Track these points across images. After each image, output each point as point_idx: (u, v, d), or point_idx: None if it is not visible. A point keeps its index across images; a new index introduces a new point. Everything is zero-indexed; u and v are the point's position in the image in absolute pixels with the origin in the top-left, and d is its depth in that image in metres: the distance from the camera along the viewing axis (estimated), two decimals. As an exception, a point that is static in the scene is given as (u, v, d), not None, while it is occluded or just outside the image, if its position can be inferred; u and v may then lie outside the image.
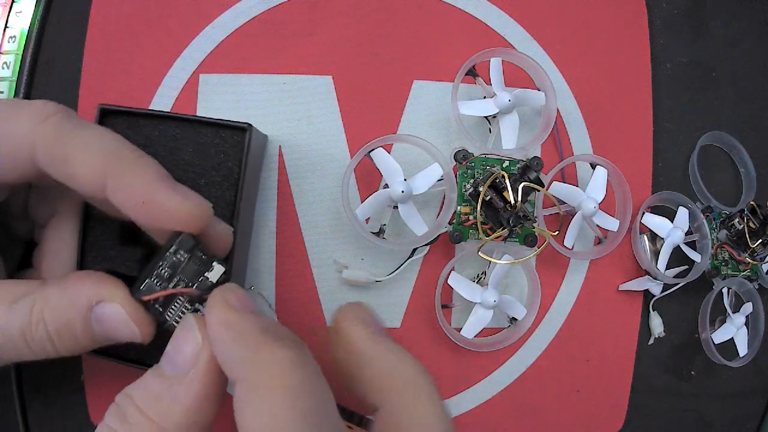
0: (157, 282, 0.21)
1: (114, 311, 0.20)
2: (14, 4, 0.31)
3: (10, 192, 0.23)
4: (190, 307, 0.21)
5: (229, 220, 0.25)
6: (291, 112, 0.31)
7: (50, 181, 0.21)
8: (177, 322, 0.21)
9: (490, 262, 0.30)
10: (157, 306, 0.21)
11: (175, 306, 0.21)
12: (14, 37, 0.31)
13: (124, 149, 0.21)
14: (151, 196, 0.20)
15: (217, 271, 0.21)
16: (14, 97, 0.30)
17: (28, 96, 0.30)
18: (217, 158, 0.25)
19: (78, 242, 0.24)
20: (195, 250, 0.21)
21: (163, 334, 0.21)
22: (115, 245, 0.25)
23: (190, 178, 0.25)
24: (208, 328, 0.19)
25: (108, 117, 0.25)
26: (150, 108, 0.29)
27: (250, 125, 0.25)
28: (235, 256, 0.25)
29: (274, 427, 0.16)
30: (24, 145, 0.20)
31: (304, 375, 0.17)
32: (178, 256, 0.21)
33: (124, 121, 0.25)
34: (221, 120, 0.25)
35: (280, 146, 0.31)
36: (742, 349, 0.34)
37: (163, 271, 0.21)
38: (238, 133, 0.25)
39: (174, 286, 0.21)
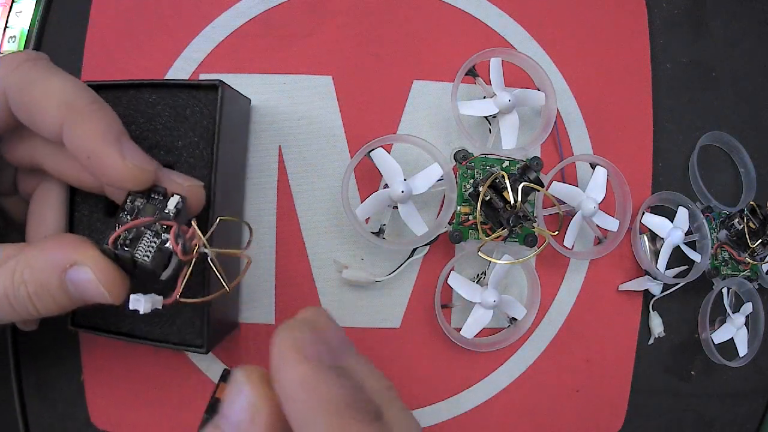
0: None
1: (85, 274, 0.21)
2: (14, 4, 0.31)
3: None
4: (157, 242, 0.22)
5: (208, 178, 0.25)
6: (291, 112, 0.31)
7: (27, 131, 0.22)
8: (147, 258, 0.21)
9: (490, 262, 0.30)
10: (126, 249, 0.21)
11: (143, 244, 0.22)
12: (14, 37, 0.31)
13: (81, 100, 0.21)
14: (95, 152, 0.21)
15: (173, 200, 0.22)
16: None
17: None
18: (193, 119, 0.26)
19: (65, 216, 0.25)
20: (152, 194, 0.22)
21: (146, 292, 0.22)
22: (102, 218, 0.26)
23: (169, 141, 0.26)
24: (280, 382, 0.17)
25: None
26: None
27: (221, 81, 0.26)
28: (218, 213, 0.25)
29: None
30: None
31: None
32: (136, 203, 0.22)
33: (103, 95, 0.25)
34: (193, 81, 0.26)
35: (280, 146, 0.31)
36: (742, 349, 0.34)
37: (125, 219, 0.22)
38: (212, 91, 0.26)
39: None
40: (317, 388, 0.17)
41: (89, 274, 0.21)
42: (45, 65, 0.22)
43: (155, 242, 0.22)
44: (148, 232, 0.22)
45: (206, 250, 0.22)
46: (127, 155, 0.21)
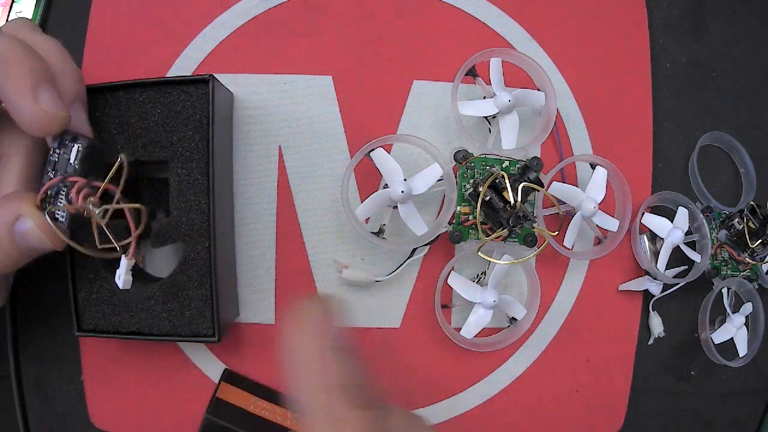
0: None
1: (27, 224, 0.23)
2: (14, 4, 0.31)
3: None
4: (66, 198, 0.23)
5: (205, 170, 0.26)
6: (291, 112, 0.31)
7: None
8: (63, 218, 0.23)
9: (490, 262, 0.30)
10: (54, 210, 0.23)
11: (60, 201, 0.23)
12: (14, 37, 0.31)
13: (11, 52, 0.22)
14: (10, 98, 0.22)
15: (74, 151, 0.23)
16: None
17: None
18: (185, 113, 0.27)
19: (27, 173, 0.25)
20: (62, 139, 0.23)
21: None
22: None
23: (164, 137, 0.27)
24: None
25: None
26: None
27: (212, 76, 0.26)
28: (216, 210, 0.26)
29: None
30: None
31: None
32: (54, 155, 0.23)
33: (94, 98, 0.26)
34: (183, 77, 0.27)
35: (279, 146, 0.31)
36: (742, 349, 0.34)
37: (50, 174, 0.23)
38: (202, 86, 0.27)
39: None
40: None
41: (30, 224, 0.23)
42: None
43: (69, 197, 0.23)
44: (64, 188, 0.23)
45: (92, 207, 0.23)
46: (40, 100, 0.22)
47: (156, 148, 0.26)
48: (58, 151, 0.23)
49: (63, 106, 0.23)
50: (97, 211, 0.23)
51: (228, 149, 0.30)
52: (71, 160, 0.23)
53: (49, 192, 0.23)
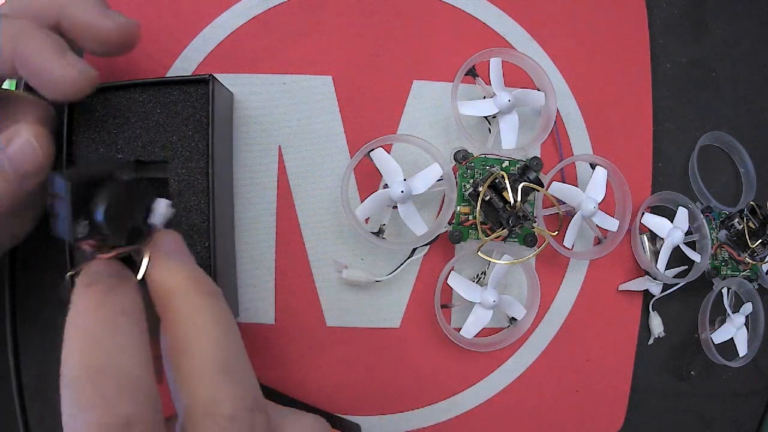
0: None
1: (20, 140, 0.22)
2: (14, 4, 0.31)
3: None
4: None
5: (205, 170, 0.26)
6: (291, 112, 0.31)
7: None
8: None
9: (490, 262, 0.30)
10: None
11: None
12: (14, 37, 0.31)
13: (27, 30, 0.22)
14: (42, 65, 0.22)
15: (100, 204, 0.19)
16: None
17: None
18: (185, 113, 0.27)
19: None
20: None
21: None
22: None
23: (163, 137, 0.27)
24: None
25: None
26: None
27: (212, 76, 0.26)
28: (217, 208, 0.26)
29: None
30: None
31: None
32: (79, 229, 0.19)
33: (93, 98, 0.26)
34: (183, 76, 0.27)
35: (279, 146, 0.31)
36: (742, 349, 0.34)
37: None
38: (202, 86, 0.27)
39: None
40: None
41: (24, 136, 0.22)
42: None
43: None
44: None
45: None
46: (70, 61, 0.23)
47: (156, 148, 0.26)
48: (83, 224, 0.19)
49: (84, 65, 0.23)
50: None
51: (228, 149, 0.30)
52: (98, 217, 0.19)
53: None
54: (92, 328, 0.18)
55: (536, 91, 0.32)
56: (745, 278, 0.35)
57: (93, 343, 0.18)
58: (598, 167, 0.32)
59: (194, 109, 0.27)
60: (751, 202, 0.34)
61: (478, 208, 0.29)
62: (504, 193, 0.28)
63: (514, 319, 0.32)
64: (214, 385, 0.19)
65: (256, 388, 0.20)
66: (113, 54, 0.26)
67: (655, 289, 0.33)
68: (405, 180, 0.29)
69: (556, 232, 0.30)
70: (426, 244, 0.30)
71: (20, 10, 0.24)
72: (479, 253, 0.29)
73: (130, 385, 0.17)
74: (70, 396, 0.18)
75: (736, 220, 0.33)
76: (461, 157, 0.30)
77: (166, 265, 0.20)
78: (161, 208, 0.21)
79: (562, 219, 0.32)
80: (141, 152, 0.26)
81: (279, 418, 0.22)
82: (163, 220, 0.21)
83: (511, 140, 0.31)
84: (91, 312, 0.18)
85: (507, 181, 0.28)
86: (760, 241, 0.33)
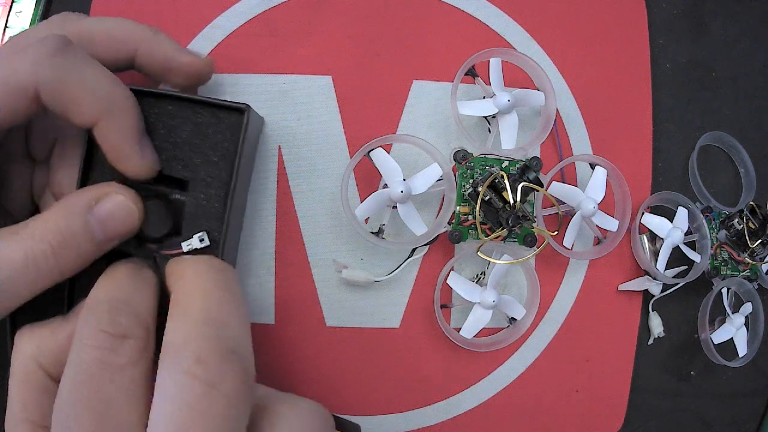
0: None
1: (113, 200, 0.22)
2: (14, 4, 0.31)
3: (11, 125, 0.23)
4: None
5: (224, 200, 0.25)
6: (291, 112, 0.31)
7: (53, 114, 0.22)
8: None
9: (490, 262, 0.30)
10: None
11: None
12: (14, 37, 0.31)
13: (116, 95, 0.22)
14: (121, 148, 0.22)
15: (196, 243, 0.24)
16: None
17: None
18: (215, 138, 0.25)
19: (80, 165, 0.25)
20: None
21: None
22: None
23: (187, 156, 0.25)
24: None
25: None
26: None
27: (248, 106, 0.25)
28: (228, 235, 0.25)
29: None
30: (28, 84, 0.21)
31: None
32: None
33: None
34: (219, 100, 0.25)
35: (279, 146, 0.31)
36: (742, 349, 0.34)
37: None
38: (236, 114, 0.25)
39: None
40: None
41: (120, 198, 0.22)
42: (79, 55, 0.22)
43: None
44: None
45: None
46: (144, 153, 0.23)
47: (179, 166, 0.25)
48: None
49: (156, 154, 0.24)
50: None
51: (248, 176, 0.29)
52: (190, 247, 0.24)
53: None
54: (121, 278, 0.22)
55: (536, 91, 0.32)
56: (744, 278, 0.35)
57: (117, 287, 0.21)
58: (597, 167, 0.32)
59: (223, 137, 0.25)
60: (751, 202, 0.33)
61: (478, 208, 0.29)
62: (504, 193, 0.28)
63: (513, 319, 0.32)
64: (191, 330, 0.19)
65: (245, 350, 0.20)
66: (189, 87, 0.27)
67: (655, 289, 0.33)
68: (405, 180, 0.29)
69: (556, 232, 0.30)
70: (425, 244, 0.31)
71: (94, 44, 0.24)
72: (479, 253, 0.29)
73: (134, 314, 0.20)
74: (86, 312, 0.20)
75: (736, 220, 0.33)
76: (461, 157, 0.30)
77: (185, 259, 0.23)
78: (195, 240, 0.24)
79: (561, 219, 0.32)
80: (164, 165, 0.25)
81: (274, 399, 0.21)
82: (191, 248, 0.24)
83: (510, 140, 0.31)
84: (123, 270, 0.22)
85: (506, 181, 0.28)
86: (759, 241, 0.33)
